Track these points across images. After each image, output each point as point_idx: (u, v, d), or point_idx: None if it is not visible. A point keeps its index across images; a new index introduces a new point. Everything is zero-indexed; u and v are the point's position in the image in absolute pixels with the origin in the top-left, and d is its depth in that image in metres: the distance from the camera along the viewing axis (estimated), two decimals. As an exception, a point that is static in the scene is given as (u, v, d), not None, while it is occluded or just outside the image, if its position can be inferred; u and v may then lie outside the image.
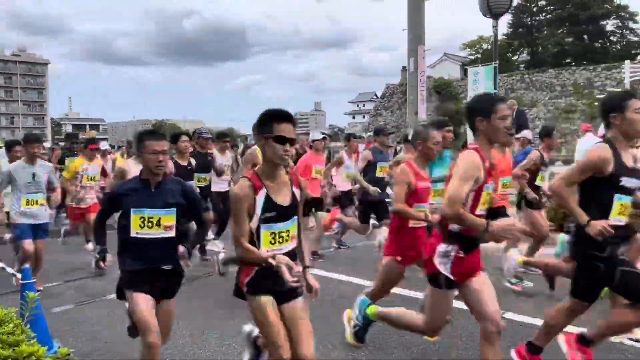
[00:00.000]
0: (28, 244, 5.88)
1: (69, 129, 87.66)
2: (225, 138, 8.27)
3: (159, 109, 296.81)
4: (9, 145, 7.80)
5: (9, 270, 6.37)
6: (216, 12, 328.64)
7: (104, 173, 7.91)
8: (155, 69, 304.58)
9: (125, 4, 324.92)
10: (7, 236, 6.98)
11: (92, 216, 6.81)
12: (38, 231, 6.04)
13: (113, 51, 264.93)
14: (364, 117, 68.49)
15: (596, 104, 25.94)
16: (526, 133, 7.69)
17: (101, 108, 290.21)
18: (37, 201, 5.93)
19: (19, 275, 4.91)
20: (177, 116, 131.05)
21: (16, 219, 5.93)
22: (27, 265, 4.72)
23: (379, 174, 7.33)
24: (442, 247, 3.18)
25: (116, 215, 3.63)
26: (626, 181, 3.30)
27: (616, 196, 3.29)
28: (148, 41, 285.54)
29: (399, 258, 4.30)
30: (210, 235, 7.40)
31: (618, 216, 3.30)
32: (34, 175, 5.93)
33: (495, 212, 4.17)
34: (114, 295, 3.64)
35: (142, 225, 3.36)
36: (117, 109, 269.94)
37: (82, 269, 6.96)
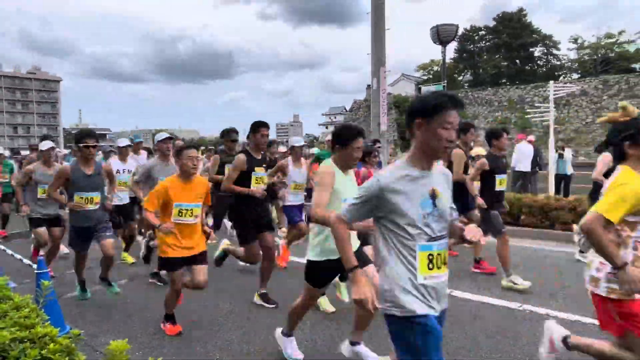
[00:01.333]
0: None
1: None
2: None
3: (157, 120, 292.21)
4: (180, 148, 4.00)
5: (26, 261, 6.19)
6: (205, 37, 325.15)
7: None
8: (153, 85, 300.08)
9: (125, 29, 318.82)
10: None
11: None
12: None
13: (116, 70, 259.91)
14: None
15: (527, 116, 26.63)
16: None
17: (107, 119, 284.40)
18: None
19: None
20: (173, 126, 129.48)
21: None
22: (42, 257, 4.40)
23: None
24: None
25: None
26: None
27: None
28: (146, 61, 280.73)
29: None
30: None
31: None
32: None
33: None
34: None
35: None
36: (121, 119, 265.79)
37: (90, 259, 6.72)
